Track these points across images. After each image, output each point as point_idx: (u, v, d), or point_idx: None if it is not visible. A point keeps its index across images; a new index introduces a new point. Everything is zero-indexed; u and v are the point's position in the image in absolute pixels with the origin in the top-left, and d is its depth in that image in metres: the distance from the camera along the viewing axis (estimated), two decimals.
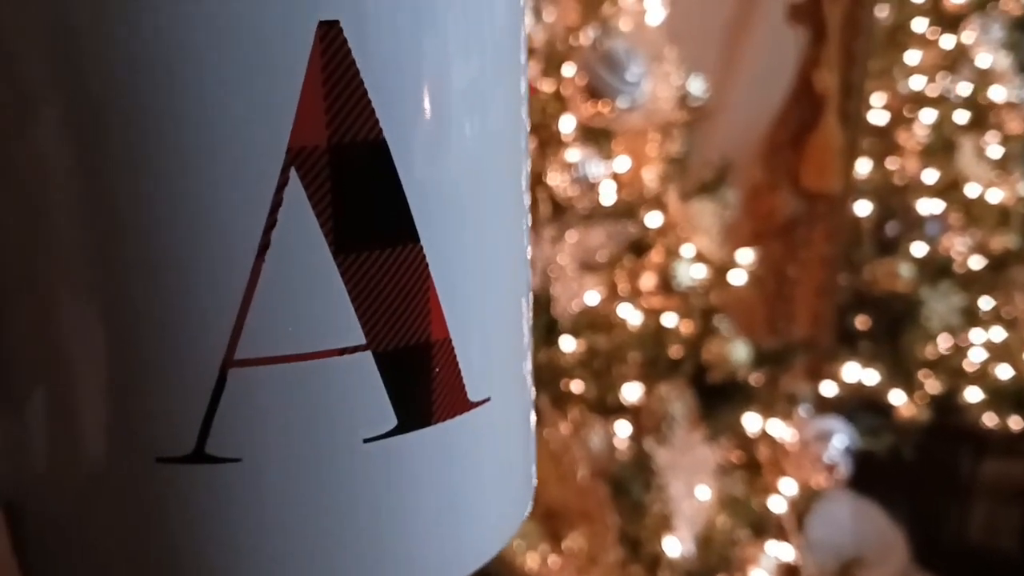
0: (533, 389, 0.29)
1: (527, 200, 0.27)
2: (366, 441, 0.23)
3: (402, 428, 0.23)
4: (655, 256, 1.16)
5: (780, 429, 1.24)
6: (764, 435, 1.24)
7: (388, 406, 0.23)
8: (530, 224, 0.28)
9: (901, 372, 2.04)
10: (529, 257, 0.28)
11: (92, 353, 0.22)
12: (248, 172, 0.20)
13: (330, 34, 0.20)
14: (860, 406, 2.02)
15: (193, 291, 0.21)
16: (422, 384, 0.23)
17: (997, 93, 2.16)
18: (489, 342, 0.25)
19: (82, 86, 0.20)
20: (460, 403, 0.24)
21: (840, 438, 1.22)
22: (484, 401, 0.25)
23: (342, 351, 0.22)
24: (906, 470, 2.15)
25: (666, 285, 1.13)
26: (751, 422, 1.21)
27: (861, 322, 2.04)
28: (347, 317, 0.22)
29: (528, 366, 0.28)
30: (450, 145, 0.23)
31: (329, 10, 0.20)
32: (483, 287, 0.25)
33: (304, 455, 0.22)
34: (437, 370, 0.23)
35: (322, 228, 0.21)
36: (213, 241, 0.21)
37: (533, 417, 0.29)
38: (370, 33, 0.21)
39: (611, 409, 1.11)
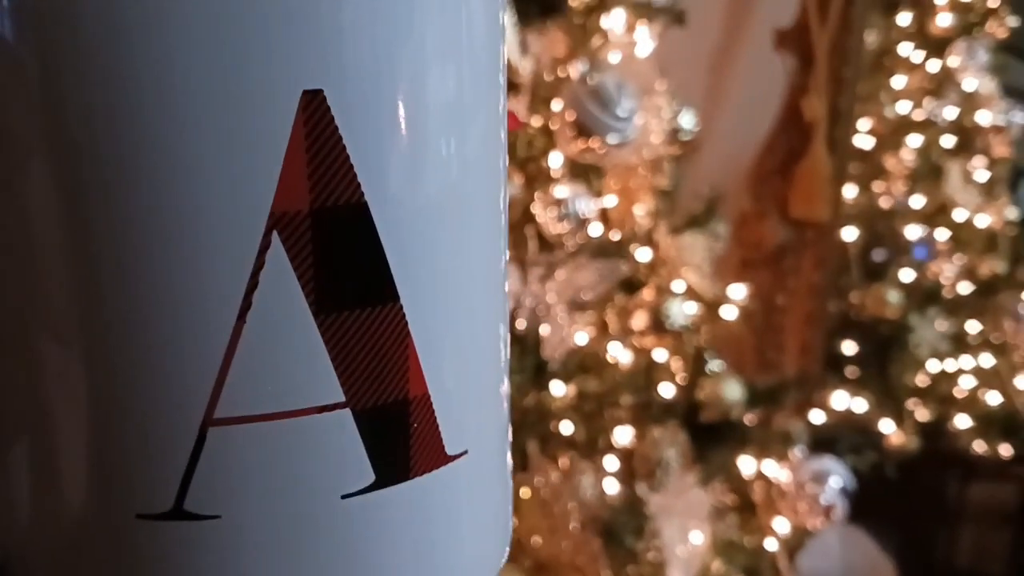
0: (510, 435, 0.29)
1: (505, 243, 0.27)
2: (344, 497, 0.23)
3: (380, 483, 0.23)
4: (647, 294, 1.12)
5: (775, 470, 1.21)
6: (759, 476, 1.21)
7: (366, 462, 0.23)
8: (507, 261, 0.28)
9: (890, 400, 2.02)
10: (508, 300, 0.28)
11: (74, 410, 0.22)
12: (231, 235, 0.21)
13: (313, 103, 0.20)
14: (849, 433, 2.00)
15: (174, 351, 0.21)
16: (400, 440, 0.24)
17: (983, 117, 2.15)
18: (467, 395, 0.25)
19: (67, 148, 0.20)
20: (438, 457, 0.24)
21: (836, 479, 1.19)
22: (462, 454, 0.25)
23: (321, 409, 0.22)
24: (894, 496, 2.14)
25: (658, 324, 1.10)
26: (746, 464, 1.18)
27: (849, 349, 2.03)
28: (326, 376, 0.22)
29: (506, 414, 0.28)
30: (431, 205, 0.23)
31: (313, 80, 0.20)
32: (462, 342, 0.25)
33: (283, 512, 0.23)
34: (415, 425, 0.24)
35: (303, 289, 0.21)
36: (195, 302, 0.21)
37: (510, 463, 0.29)
38: (353, 100, 0.21)
39: (602, 453, 1.08)
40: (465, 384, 0.25)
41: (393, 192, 0.22)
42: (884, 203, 2.08)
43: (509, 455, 0.29)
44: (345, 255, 0.22)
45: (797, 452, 1.21)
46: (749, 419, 1.18)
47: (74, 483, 0.23)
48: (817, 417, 1.90)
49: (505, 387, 0.28)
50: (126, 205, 0.20)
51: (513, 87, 1.04)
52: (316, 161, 0.21)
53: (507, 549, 0.29)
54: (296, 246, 0.21)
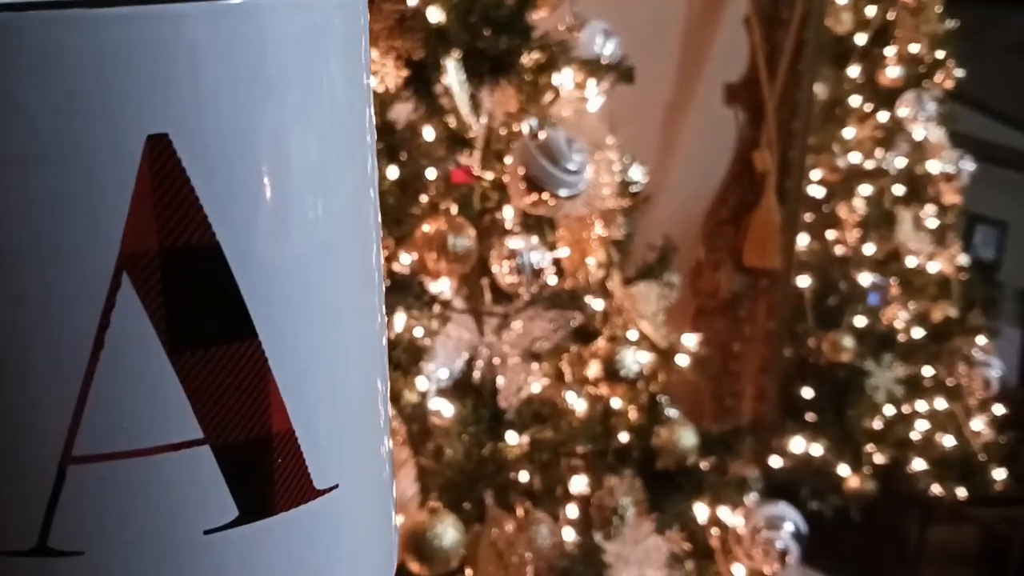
0: (391, 468, 0.29)
1: (379, 281, 0.27)
2: (207, 532, 0.23)
3: (244, 519, 0.23)
4: (601, 343, 1.14)
5: (730, 517, 1.22)
6: (714, 523, 1.22)
7: (228, 498, 0.23)
8: (383, 293, 0.28)
9: (848, 444, 2.05)
10: (384, 335, 0.28)
11: None
12: (80, 277, 0.21)
13: (159, 147, 0.21)
14: (809, 478, 2.02)
15: (29, 391, 0.22)
16: (263, 475, 0.24)
17: (933, 165, 2.20)
18: (337, 430, 0.25)
19: None
20: (305, 492, 0.24)
21: (790, 524, 1.20)
22: (332, 488, 0.25)
23: (178, 446, 0.22)
24: (855, 540, 2.16)
25: (612, 373, 1.12)
26: (701, 511, 1.20)
27: (807, 394, 2.05)
28: (183, 413, 0.22)
29: (385, 448, 0.28)
30: (289, 242, 0.23)
31: (157, 124, 0.21)
32: (329, 377, 0.25)
33: (145, 547, 0.23)
34: (279, 460, 0.24)
35: (156, 328, 0.22)
36: (48, 343, 0.21)
37: (391, 496, 0.29)
38: (201, 143, 0.21)
39: (559, 503, 1.09)
40: (334, 419, 0.25)
41: (249, 231, 0.22)
42: (837, 250, 2.13)
43: (391, 487, 0.29)
44: (198, 294, 0.22)
45: (751, 498, 1.23)
46: (704, 465, 1.19)
47: None
48: (776, 462, 1.92)
49: (383, 421, 0.28)
50: None
51: (466, 143, 1.06)
52: (163, 203, 0.21)
53: None
54: (146, 285, 0.21)
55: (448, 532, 0.98)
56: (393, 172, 1.03)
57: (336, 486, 0.25)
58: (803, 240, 2.01)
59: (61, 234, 0.21)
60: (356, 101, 0.25)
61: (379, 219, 0.27)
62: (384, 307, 0.28)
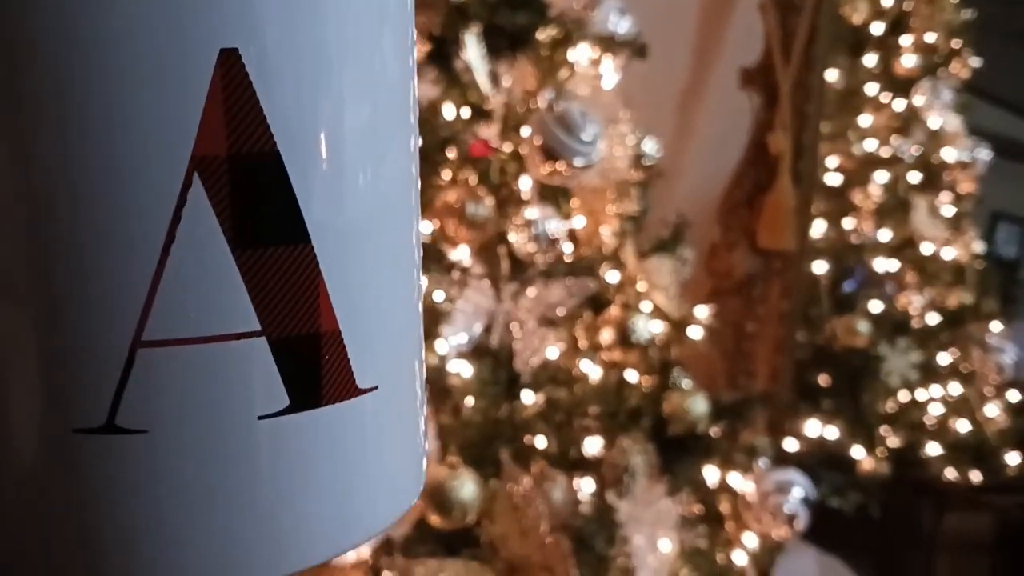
0: (424, 382, 0.31)
1: (416, 207, 0.30)
2: (261, 418, 0.25)
3: (294, 408, 0.25)
4: (614, 311, 1.18)
5: (740, 482, 1.26)
6: (724, 487, 1.25)
7: (281, 387, 0.25)
8: (419, 216, 0.30)
9: (862, 427, 2.07)
10: (420, 252, 0.30)
11: (14, 334, 0.24)
12: (156, 175, 0.23)
13: (230, 60, 0.23)
14: (822, 461, 2.05)
15: (106, 279, 0.23)
16: (312, 369, 0.25)
17: (949, 154, 2.22)
18: (378, 336, 0.27)
19: (5, 93, 0.23)
20: (348, 388, 0.26)
21: (799, 489, 1.24)
22: (372, 388, 0.27)
23: (239, 336, 0.24)
24: (870, 525, 2.17)
25: (625, 339, 1.16)
26: (711, 475, 1.23)
27: (821, 378, 2.07)
28: (244, 305, 0.24)
29: (418, 363, 0.30)
30: (342, 157, 0.25)
31: (229, 39, 0.23)
32: (373, 286, 0.27)
33: (205, 429, 0.24)
34: (327, 357, 0.26)
35: (222, 226, 0.24)
36: (124, 235, 0.23)
37: (424, 406, 0.31)
38: (267, 59, 0.23)
39: (573, 463, 1.13)
40: (376, 326, 0.27)
41: (305, 143, 0.24)
42: (853, 238, 2.15)
43: (424, 404, 0.31)
44: (259, 196, 0.24)
45: (761, 464, 1.26)
46: (715, 432, 1.23)
47: (15, 400, 0.24)
48: (791, 445, 1.95)
49: (419, 333, 0.30)
50: (58, 143, 0.23)
51: (485, 115, 1.11)
52: (232, 112, 0.23)
53: (420, 487, 0.31)
54: (215, 186, 0.23)
55: (466, 485, 1.02)
56: None
57: (376, 387, 0.27)
58: (820, 227, 2.04)
59: (143, 135, 0.23)
60: (402, 46, 0.27)
61: (418, 157, 0.29)
62: (419, 230, 0.30)
